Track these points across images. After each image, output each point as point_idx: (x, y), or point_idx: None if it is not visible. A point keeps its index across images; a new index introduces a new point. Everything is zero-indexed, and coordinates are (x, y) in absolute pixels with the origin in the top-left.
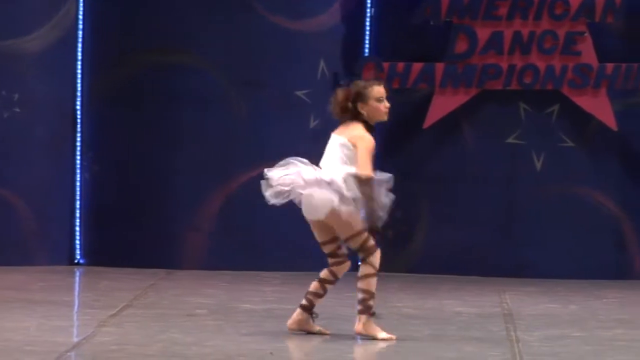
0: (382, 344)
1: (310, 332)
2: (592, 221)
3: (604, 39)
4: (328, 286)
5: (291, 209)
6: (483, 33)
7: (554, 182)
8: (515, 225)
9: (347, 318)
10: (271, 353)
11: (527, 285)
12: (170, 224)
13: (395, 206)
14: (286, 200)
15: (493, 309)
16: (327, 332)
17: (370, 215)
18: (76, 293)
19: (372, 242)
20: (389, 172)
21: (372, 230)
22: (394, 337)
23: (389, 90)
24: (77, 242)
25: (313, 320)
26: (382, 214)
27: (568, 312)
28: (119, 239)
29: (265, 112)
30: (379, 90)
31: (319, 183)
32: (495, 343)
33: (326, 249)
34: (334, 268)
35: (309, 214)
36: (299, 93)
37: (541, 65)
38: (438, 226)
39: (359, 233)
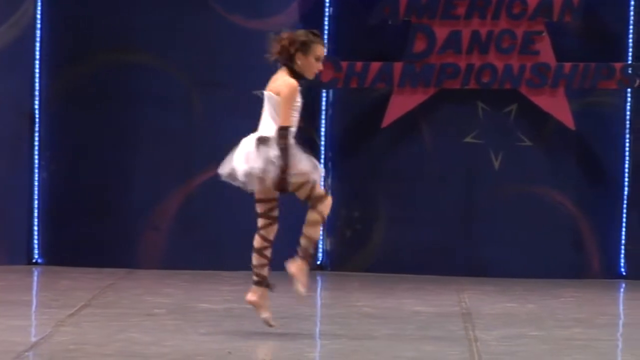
0: (341, 344)
1: (260, 314)
2: (550, 220)
3: (562, 38)
4: (267, 252)
5: (250, 208)
6: (441, 32)
7: (512, 181)
8: (474, 225)
9: (305, 317)
10: (229, 352)
11: (486, 284)
12: (129, 224)
13: (354, 205)
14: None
15: (452, 308)
16: (274, 324)
17: (281, 170)
18: (34, 292)
19: (319, 190)
20: (348, 171)
21: (278, 188)
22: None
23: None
24: (35, 241)
25: (271, 290)
26: (293, 172)
27: (526, 311)
28: (77, 239)
29: (224, 112)
30: (321, 49)
31: (247, 156)
32: (454, 342)
33: (260, 208)
34: (262, 231)
35: (245, 187)
36: (258, 92)
37: (499, 64)
38: (397, 225)
39: (300, 185)
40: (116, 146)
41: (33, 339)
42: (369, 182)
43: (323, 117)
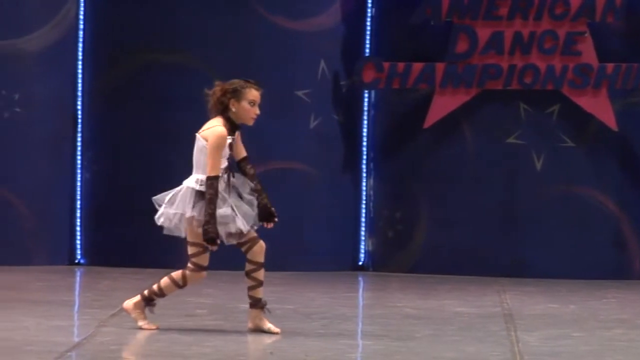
0: (383, 345)
1: (261, 330)
2: (591, 221)
3: (605, 38)
4: (256, 275)
5: (291, 211)
6: (483, 33)
7: (554, 182)
8: (516, 225)
9: (346, 318)
10: (271, 353)
11: (527, 285)
12: None
13: (395, 206)
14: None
15: (493, 309)
16: (277, 330)
17: (206, 220)
18: (76, 293)
19: (199, 259)
20: (390, 171)
21: (205, 239)
22: (151, 326)
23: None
24: (78, 241)
25: (264, 312)
26: (221, 221)
27: (568, 312)
28: (119, 239)
29: (266, 112)
30: (255, 94)
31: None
32: (496, 343)
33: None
34: (248, 255)
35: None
36: (298, 93)
37: (541, 65)
38: (438, 226)
39: (188, 243)
40: (158, 146)
41: (75, 339)
42: (410, 182)
43: (365, 117)
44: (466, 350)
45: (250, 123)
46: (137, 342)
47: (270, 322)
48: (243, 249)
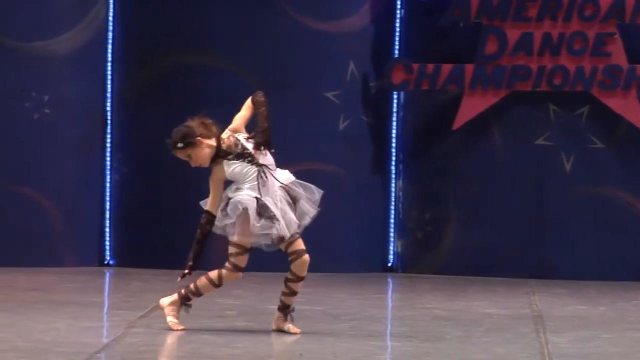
0: (412, 346)
1: (282, 331)
2: (621, 223)
3: (635, 40)
4: (293, 285)
5: (320, 213)
6: (513, 34)
7: (584, 183)
8: (545, 227)
9: (376, 319)
10: (301, 354)
11: (557, 287)
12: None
13: (425, 207)
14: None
15: (522, 311)
16: (297, 331)
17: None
18: (106, 294)
19: (238, 260)
20: (419, 173)
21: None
22: (179, 327)
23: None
24: (107, 243)
25: (285, 318)
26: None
27: (597, 314)
28: (148, 240)
29: (295, 114)
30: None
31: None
32: (525, 345)
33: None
34: (292, 266)
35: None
36: (328, 95)
37: (571, 66)
38: (467, 228)
39: (230, 243)
40: None
41: (105, 341)
42: (440, 184)
43: (394, 119)
44: (495, 352)
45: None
46: (167, 343)
47: (293, 324)
48: (289, 258)
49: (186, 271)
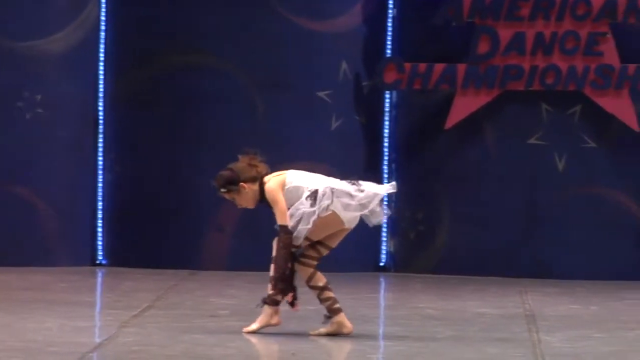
0: (404, 346)
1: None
2: (613, 222)
3: (626, 39)
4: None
5: None
6: (505, 34)
7: (576, 182)
8: (537, 226)
9: (368, 319)
10: (293, 354)
11: (549, 286)
12: (193, 225)
13: (417, 206)
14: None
15: (515, 310)
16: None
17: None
18: (98, 294)
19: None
20: (411, 172)
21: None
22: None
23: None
24: (99, 242)
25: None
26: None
27: (589, 313)
28: (141, 240)
29: (287, 113)
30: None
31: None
32: (517, 344)
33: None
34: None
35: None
36: (320, 94)
37: (563, 66)
38: (460, 227)
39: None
40: (180, 148)
41: (97, 340)
42: (432, 183)
43: (386, 118)
44: (488, 351)
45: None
46: (159, 343)
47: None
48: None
49: (294, 304)
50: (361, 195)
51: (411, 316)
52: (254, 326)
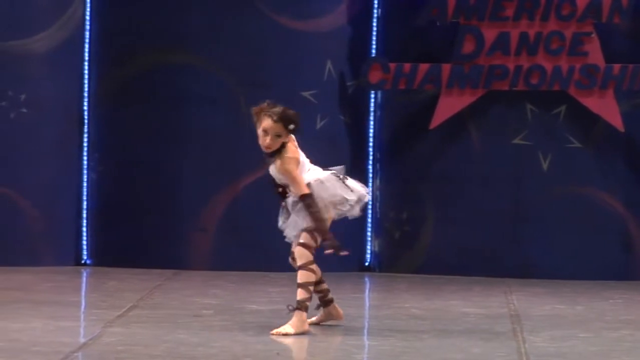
0: (389, 345)
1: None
2: (598, 222)
3: (611, 39)
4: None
5: None
6: (490, 34)
7: (561, 182)
8: (522, 226)
9: (353, 318)
10: (277, 353)
11: (534, 285)
12: (176, 225)
13: (402, 207)
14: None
15: (500, 310)
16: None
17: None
18: (83, 293)
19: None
20: (396, 172)
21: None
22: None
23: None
24: (84, 242)
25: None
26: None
27: (574, 313)
28: (125, 240)
29: None
30: (265, 123)
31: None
32: (502, 344)
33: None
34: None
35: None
36: (305, 94)
37: (548, 66)
38: (444, 227)
39: None
40: (164, 147)
41: (81, 340)
42: (417, 183)
43: (371, 118)
44: (472, 351)
45: (265, 151)
46: (144, 342)
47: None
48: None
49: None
50: (353, 198)
51: (396, 316)
52: (290, 330)
